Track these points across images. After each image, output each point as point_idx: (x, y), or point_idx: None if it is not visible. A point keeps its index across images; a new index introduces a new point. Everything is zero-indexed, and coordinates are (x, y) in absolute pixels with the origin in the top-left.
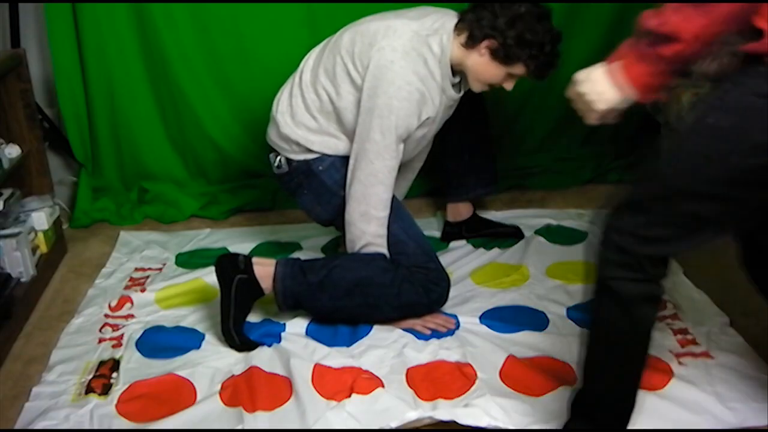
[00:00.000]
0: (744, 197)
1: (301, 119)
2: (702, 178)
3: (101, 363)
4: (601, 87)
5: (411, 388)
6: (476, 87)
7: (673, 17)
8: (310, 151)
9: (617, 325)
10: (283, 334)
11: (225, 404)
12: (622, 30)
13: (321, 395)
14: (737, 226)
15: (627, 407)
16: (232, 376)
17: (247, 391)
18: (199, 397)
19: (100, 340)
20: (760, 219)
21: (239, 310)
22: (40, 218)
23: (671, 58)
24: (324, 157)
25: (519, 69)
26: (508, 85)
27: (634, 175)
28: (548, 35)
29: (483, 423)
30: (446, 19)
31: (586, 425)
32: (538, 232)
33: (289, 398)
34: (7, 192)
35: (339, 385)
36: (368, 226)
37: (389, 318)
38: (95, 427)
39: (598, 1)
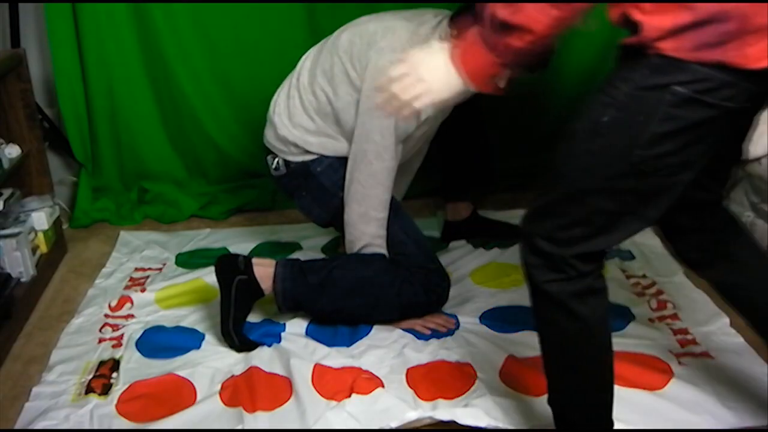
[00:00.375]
0: (653, 186)
1: (299, 120)
2: (607, 175)
3: (101, 363)
4: (441, 74)
5: (411, 388)
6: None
7: (526, 8)
8: (307, 152)
9: (562, 325)
10: (282, 334)
11: (225, 404)
12: (622, 30)
13: (321, 395)
14: (655, 214)
15: (599, 402)
16: (232, 376)
17: (247, 391)
18: (199, 397)
19: (100, 340)
20: (675, 202)
21: (239, 311)
22: (40, 218)
23: (519, 50)
24: (322, 158)
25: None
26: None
27: (544, 181)
28: None
29: (483, 423)
30: (443, 18)
31: (563, 426)
32: None
33: (289, 398)
34: (7, 192)
35: (339, 385)
36: (368, 227)
37: (389, 318)
38: (95, 427)
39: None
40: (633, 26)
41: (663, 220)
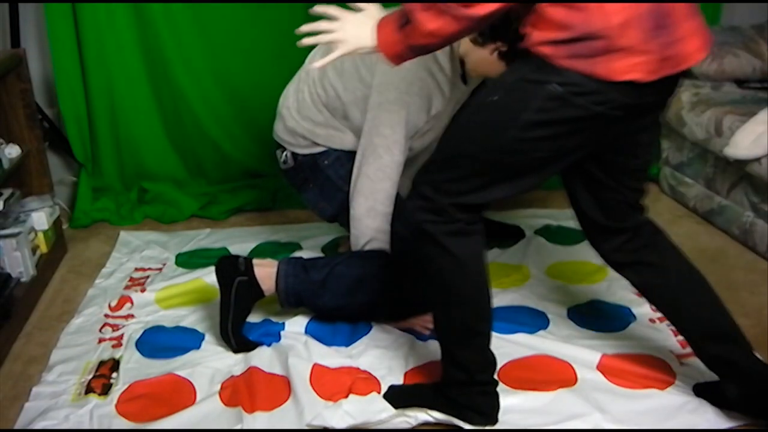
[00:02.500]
0: (523, 163)
1: (307, 113)
2: (485, 146)
3: (101, 363)
4: (359, 32)
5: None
6: (473, 76)
7: (422, 14)
8: (315, 144)
9: (436, 260)
10: (282, 333)
11: (224, 404)
12: None
13: (319, 396)
14: (524, 188)
15: (477, 332)
16: (232, 376)
17: (246, 391)
18: (198, 397)
19: (100, 340)
20: (594, 203)
21: (239, 313)
22: (40, 218)
23: (414, 44)
24: (330, 151)
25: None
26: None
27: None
28: None
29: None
30: None
31: (446, 357)
32: (538, 232)
33: (287, 398)
34: (7, 192)
35: (337, 386)
36: (374, 221)
37: (390, 316)
38: (95, 427)
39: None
40: (524, 37)
41: (584, 223)
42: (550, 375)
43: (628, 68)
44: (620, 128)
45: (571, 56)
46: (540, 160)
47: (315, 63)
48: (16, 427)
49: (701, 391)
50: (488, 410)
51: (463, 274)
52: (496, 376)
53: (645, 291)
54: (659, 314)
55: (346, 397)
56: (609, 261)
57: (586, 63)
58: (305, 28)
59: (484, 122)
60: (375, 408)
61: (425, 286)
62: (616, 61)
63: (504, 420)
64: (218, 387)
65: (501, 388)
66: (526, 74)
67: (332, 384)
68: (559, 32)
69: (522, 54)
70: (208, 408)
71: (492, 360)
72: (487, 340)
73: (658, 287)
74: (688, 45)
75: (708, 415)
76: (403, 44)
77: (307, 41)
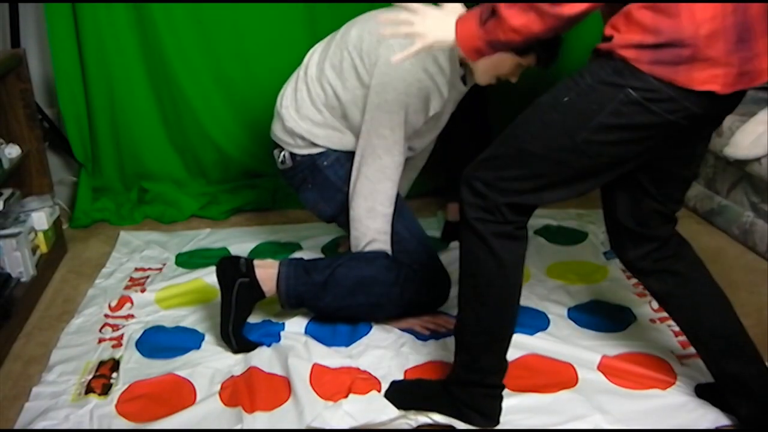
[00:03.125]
0: (587, 166)
1: (306, 113)
2: (552, 146)
3: (101, 363)
4: (439, 26)
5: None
6: (483, 80)
7: (508, 10)
8: (314, 145)
9: (481, 258)
10: (282, 333)
11: (225, 404)
12: None
13: (319, 396)
14: (582, 191)
15: (498, 335)
16: (232, 376)
17: (246, 392)
18: (198, 397)
19: (100, 340)
20: (630, 209)
21: (239, 314)
22: (40, 218)
23: (499, 37)
24: (329, 152)
25: (529, 59)
26: (514, 78)
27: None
28: None
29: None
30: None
31: (463, 356)
32: (538, 232)
33: (287, 398)
34: (7, 192)
35: (337, 386)
36: (374, 222)
37: (392, 316)
38: (95, 427)
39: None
40: (607, 38)
41: (614, 227)
42: (550, 376)
43: (708, 79)
44: (684, 138)
45: (654, 62)
46: (604, 165)
47: (393, 57)
48: (16, 427)
49: (703, 392)
50: (490, 412)
51: (503, 278)
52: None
53: (666, 300)
54: (660, 314)
55: (346, 397)
56: (633, 268)
57: (668, 70)
58: (385, 17)
59: (555, 122)
60: (375, 408)
61: (462, 283)
62: (698, 71)
63: (505, 420)
64: (218, 387)
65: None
66: (603, 77)
67: (332, 384)
68: (646, 36)
69: (601, 56)
70: (208, 408)
71: (505, 366)
72: (508, 346)
73: (680, 297)
74: (762, 61)
75: (709, 415)
76: (484, 39)
77: (387, 32)
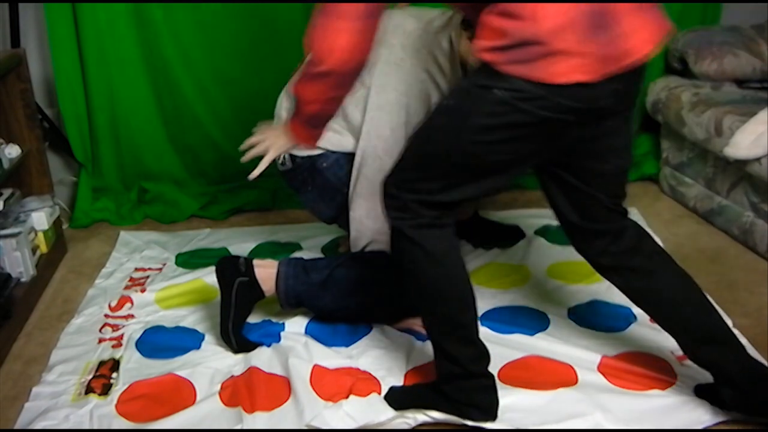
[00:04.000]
0: (481, 166)
1: None
2: (445, 148)
3: (101, 363)
4: (280, 136)
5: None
6: None
7: (295, 87)
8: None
9: (409, 253)
10: (282, 333)
11: (224, 404)
12: None
13: (319, 396)
14: (486, 189)
15: (461, 323)
16: (232, 376)
17: (246, 392)
18: (198, 397)
19: (100, 340)
20: (505, 182)
21: (239, 314)
22: (40, 218)
23: (307, 115)
24: (328, 153)
25: None
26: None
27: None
28: None
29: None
30: (454, 16)
31: (438, 353)
32: (538, 232)
33: (287, 399)
34: (7, 192)
35: (337, 387)
36: (374, 223)
37: (390, 317)
38: (95, 427)
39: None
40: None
41: (564, 226)
42: (550, 375)
43: (569, 70)
44: (578, 133)
45: (511, 62)
46: (499, 163)
47: (250, 175)
48: (16, 427)
49: (702, 391)
50: (486, 406)
51: (437, 266)
52: (492, 370)
53: (631, 296)
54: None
55: (347, 397)
56: (594, 265)
57: (525, 68)
58: (244, 147)
59: (441, 125)
60: (375, 409)
61: (405, 285)
62: (555, 65)
63: (504, 418)
64: (218, 387)
65: (501, 388)
66: (477, 80)
67: (332, 384)
68: (497, 40)
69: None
70: (208, 408)
71: (484, 351)
72: (474, 331)
73: (645, 292)
74: (631, 40)
75: (708, 416)
76: (301, 123)
77: (247, 158)
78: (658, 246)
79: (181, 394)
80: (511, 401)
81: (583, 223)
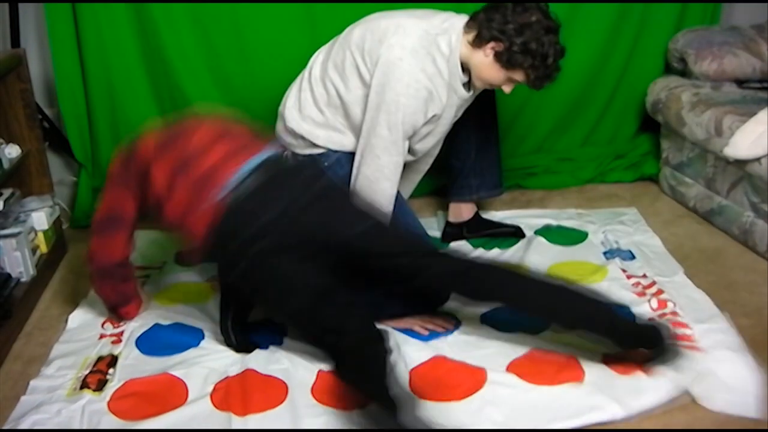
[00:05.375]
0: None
1: (309, 113)
2: None
3: (99, 358)
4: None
5: (411, 389)
6: (477, 84)
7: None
8: (314, 145)
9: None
10: (284, 338)
11: (215, 406)
12: (622, 30)
13: (319, 402)
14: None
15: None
16: (227, 377)
17: (239, 393)
18: (190, 397)
19: (101, 336)
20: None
21: (239, 311)
22: (40, 218)
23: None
24: (329, 153)
25: (518, 75)
26: (507, 89)
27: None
28: (553, 49)
29: (484, 423)
30: (455, 19)
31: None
32: (538, 232)
33: (282, 401)
34: (7, 192)
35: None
36: None
37: (390, 316)
38: (85, 422)
39: (599, 1)
40: None
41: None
42: (551, 374)
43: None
44: None
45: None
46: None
47: None
48: (10, 419)
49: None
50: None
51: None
52: (498, 368)
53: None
54: (659, 313)
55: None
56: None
57: None
58: None
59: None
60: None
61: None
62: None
63: (506, 420)
64: (211, 388)
65: (501, 388)
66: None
67: (334, 389)
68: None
69: None
70: (197, 409)
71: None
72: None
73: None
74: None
75: (708, 415)
76: (96, 282)
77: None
78: (504, 270)
79: (173, 394)
80: (513, 402)
81: (416, 284)
